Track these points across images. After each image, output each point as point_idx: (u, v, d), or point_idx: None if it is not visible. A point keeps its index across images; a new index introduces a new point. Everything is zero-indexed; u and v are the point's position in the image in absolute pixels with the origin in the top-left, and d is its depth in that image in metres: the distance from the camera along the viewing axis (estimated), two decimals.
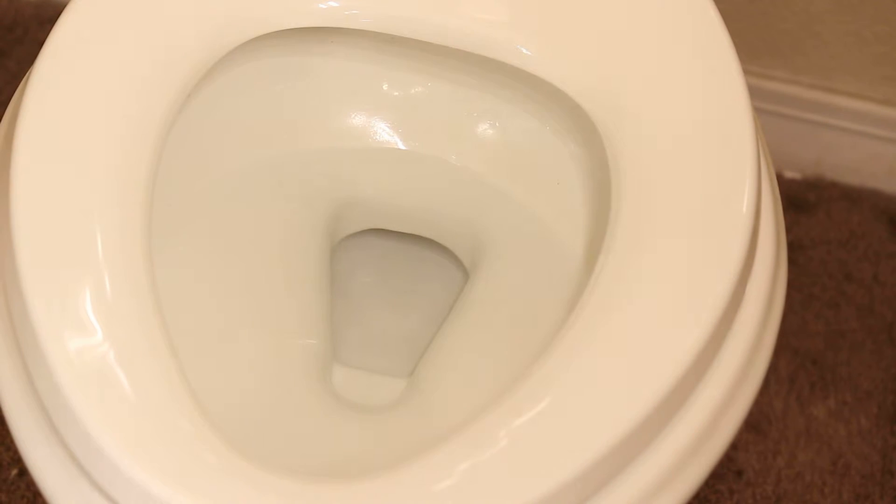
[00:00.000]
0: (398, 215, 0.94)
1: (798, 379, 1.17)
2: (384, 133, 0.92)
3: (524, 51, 0.79)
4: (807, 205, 1.30)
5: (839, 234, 1.28)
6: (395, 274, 1.00)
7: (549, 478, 0.61)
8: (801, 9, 1.21)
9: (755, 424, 1.14)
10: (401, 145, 0.92)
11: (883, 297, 1.23)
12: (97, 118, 0.71)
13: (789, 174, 1.32)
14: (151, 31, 0.75)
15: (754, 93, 0.78)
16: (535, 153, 0.90)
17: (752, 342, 0.72)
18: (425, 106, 0.92)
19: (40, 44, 0.74)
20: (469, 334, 0.86)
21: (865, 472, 1.12)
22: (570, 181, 0.88)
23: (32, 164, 0.69)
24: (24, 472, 1.06)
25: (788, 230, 1.10)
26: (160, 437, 0.61)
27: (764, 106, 1.27)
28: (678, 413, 0.67)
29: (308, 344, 0.84)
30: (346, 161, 0.92)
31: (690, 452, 0.68)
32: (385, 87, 0.92)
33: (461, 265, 0.96)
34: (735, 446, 1.12)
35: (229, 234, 0.87)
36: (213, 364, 0.80)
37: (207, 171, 0.88)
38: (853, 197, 1.31)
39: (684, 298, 0.67)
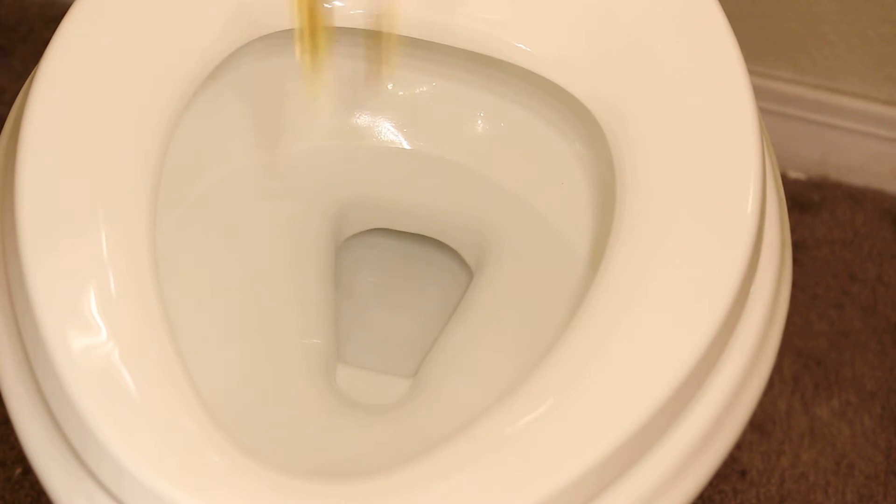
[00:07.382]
0: (403, 215, 0.94)
1: (802, 379, 1.17)
2: (389, 132, 0.92)
3: (529, 51, 0.79)
4: (811, 205, 1.30)
5: (843, 235, 1.28)
6: (399, 273, 1.00)
7: (553, 478, 0.61)
8: (805, 9, 1.21)
9: (759, 425, 1.14)
10: (405, 145, 0.92)
11: (887, 297, 1.23)
12: (102, 117, 0.71)
13: (793, 174, 1.32)
14: (156, 30, 0.75)
15: (758, 93, 0.78)
16: (540, 153, 0.90)
17: (756, 342, 0.72)
18: (430, 105, 0.92)
19: (45, 42, 0.74)
20: (473, 334, 0.86)
21: (869, 472, 1.12)
22: (575, 181, 0.88)
23: (37, 163, 0.69)
24: (28, 470, 1.06)
25: (792, 230, 1.10)
26: (165, 436, 0.61)
27: (768, 106, 1.27)
28: (683, 413, 0.67)
29: (312, 343, 0.84)
30: (351, 160, 0.92)
31: (695, 453, 0.68)
32: (390, 86, 0.92)
33: (465, 265, 0.96)
34: (739, 446, 1.12)
35: (233, 234, 0.87)
36: (217, 363, 0.80)
37: (212, 170, 0.88)
38: (857, 197, 1.31)
39: (689, 299, 0.67)
